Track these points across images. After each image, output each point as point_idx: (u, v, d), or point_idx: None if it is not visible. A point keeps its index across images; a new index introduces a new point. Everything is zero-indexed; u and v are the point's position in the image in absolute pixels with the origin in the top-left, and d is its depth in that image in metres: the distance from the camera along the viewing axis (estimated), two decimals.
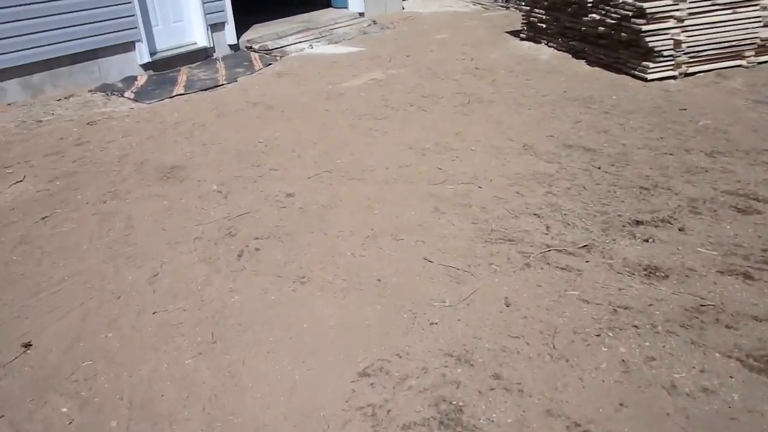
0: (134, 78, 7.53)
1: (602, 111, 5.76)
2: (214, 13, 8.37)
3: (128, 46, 7.51)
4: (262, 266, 3.34)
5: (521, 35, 9.03)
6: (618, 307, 3.16)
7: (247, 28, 9.76)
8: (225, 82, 7.29)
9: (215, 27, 8.50)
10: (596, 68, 7.26)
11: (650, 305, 3.19)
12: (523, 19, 9.00)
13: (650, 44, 6.49)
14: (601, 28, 7.12)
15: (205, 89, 7.04)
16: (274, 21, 10.36)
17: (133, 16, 7.39)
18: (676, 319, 3.07)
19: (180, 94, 6.82)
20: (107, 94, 6.92)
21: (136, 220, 3.88)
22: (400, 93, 6.56)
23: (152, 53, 7.79)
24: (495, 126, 5.50)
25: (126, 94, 6.87)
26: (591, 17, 7.26)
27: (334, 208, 4.03)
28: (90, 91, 7.05)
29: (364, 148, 5.06)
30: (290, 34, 9.50)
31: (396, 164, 4.71)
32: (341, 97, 6.46)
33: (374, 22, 10.73)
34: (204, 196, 4.27)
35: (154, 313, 2.94)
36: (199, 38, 8.36)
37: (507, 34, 9.60)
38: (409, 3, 13.25)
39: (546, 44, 8.48)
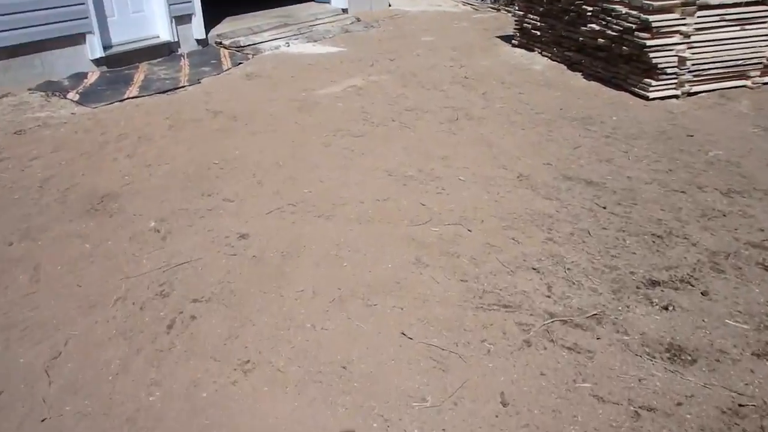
0: (84, 75, 6.69)
1: (603, 134, 5.10)
2: (179, 3, 7.54)
3: (78, 39, 6.66)
4: (196, 344, 2.61)
5: (513, 41, 8.33)
6: (640, 407, 2.50)
7: (218, 21, 8.93)
8: (186, 84, 6.49)
9: (180, 19, 7.67)
10: (593, 82, 6.60)
11: (678, 404, 2.53)
12: (515, 24, 8.30)
13: (654, 60, 5.83)
14: (601, 40, 6.45)
15: (163, 91, 6.24)
16: (249, 14, 9.53)
17: (83, 4, 6.54)
18: (713, 427, 2.42)
19: (133, 97, 6.01)
20: (47, 95, 6.07)
21: (46, 272, 3.11)
22: (382, 104, 5.83)
23: (106, 47, 6.95)
24: (486, 149, 4.81)
25: (69, 95, 6.03)
26: (590, 28, 6.59)
27: (295, 258, 3.31)
28: (30, 89, 6.20)
29: (337, 174, 4.34)
30: (266, 30, 8.69)
31: (373, 196, 4.00)
32: (316, 108, 5.72)
33: (358, 20, 9.95)
34: (137, 237, 3.51)
35: (42, 421, 2.20)
36: (162, 31, 7.52)
37: (498, 39, 8.90)
38: (396, 0, 12.49)
39: (540, 53, 7.80)
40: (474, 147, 4.85)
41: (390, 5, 11.65)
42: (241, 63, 7.39)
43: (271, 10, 9.92)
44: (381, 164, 4.49)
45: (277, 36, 8.56)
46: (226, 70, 7.07)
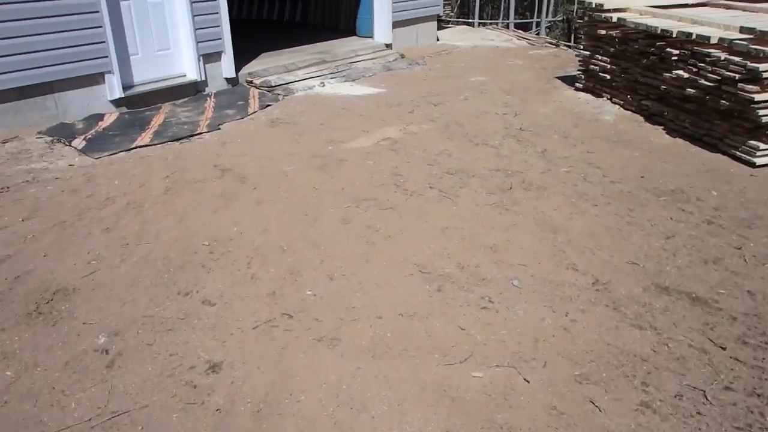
0: (100, 117, 5.92)
1: (702, 218, 3.89)
2: (207, 41, 6.74)
3: (96, 79, 5.91)
4: None
5: (577, 84, 7.18)
6: None
7: (253, 57, 8.12)
8: (205, 130, 5.62)
9: (209, 57, 6.86)
10: (679, 140, 5.38)
11: None
12: (580, 64, 7.15)
13: (764, 119, 4.60)
14: (691, 91, 5.24)
15: (177, 139, 5.38)
16: (287, 50, 8.71)
17: (103, 42, 5.79)
18: None
19: (142, 146, 5.16)
20: (53, 141, 5.29)
21: None
22: (420, 164, 4.79)
23: (127, 87, 6.18)
24: (548, 235, 3.68)
25: (75, 143, 5.23)
26: (676, 74, 5.39)
27: (274, 416, 2.27)
28: (39, 133, 5.44)
29: (352, 267, 3.29)
30: (301, 68, 7.82)
31: (395, 308, 2.93)
32: (341, 167, 4.72)
33: (402, 56, 8.99)
34: (76, 362, 2.54)
35: None
36: (189, 70, 6.73)
37: (558, 80, 7.76)
38: (446, 34, 11.50)
39: (609, 99, 6.62)
40: (533, 231, 3.73)
41: (438, 40, 10.68)
42: (269, 105, 6.50)
43: (310, 45, 9.08)
44: (410, 254, 3.42)
45: (313, 74, 7.67)
46: (250, 114, 6.18)
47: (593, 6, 6.72)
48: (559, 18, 29.19)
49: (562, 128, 5.79)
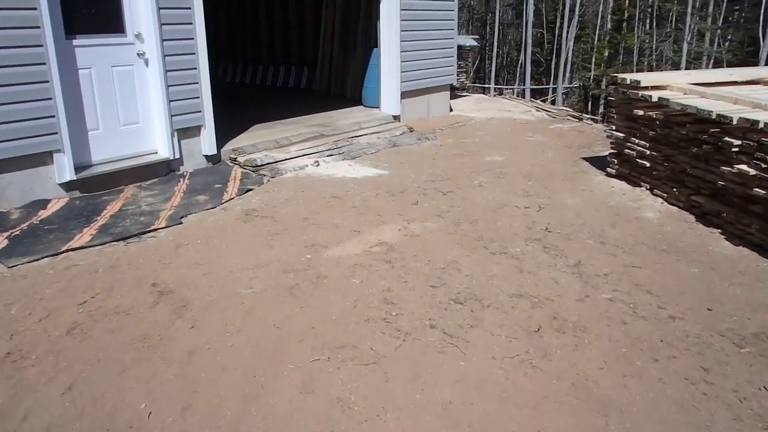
0: (43, 204, 4.93)
1: None
2: (184, 114, 5.80)
3: (42, 158, 4.95)
4: None
5: (609, 169, 6.10)
6: None
7: (243, 129, 7.20)
8: (162, 225, 4.58)
9: (186, 132, 5.92)
10: (745, 250, 4.23)
11: None
12: (611, 146, 6.10)
13: None
14: (760, 191, 4.13)
15: (124, 238, 4.33)
16: (283, 121, 7.79)
17: (52, 117, 4.85)
18: None
19: (76, 249, 4.11)
20: None
21: None
22: (419, 285, 3.67)
23: (83, 166, 5.21)
24: (598, 421, 2.49)
25: None
26: (738, 170, 4.29)
27: None
28: None
29: None
30: (295, 143, 6.86)
31: None
32: (317, 288, 3.61)
33: (410, 130, 8.03)
34: None
35: None
36: (161, 147, 5.77)
37: (585, 162, 6.70)
38: (460, 104, 10.61)
39: (649, 190, 5.52)
40: (574, 412, 2.55)
41: (451, 110, 9.75)
42: (249, 190, 5.48)
43: (309, 116, 8.16)
44: None
45: (307, 151, 6.69)
46: (225, 202, 5.16)
47: (628, 83, 5.72)
48: (575, 84, 28.58)
49: (597, 229, 4.67)
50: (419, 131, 8.08)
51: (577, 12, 29.17)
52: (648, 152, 5.49)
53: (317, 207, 5.05)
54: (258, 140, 6.68)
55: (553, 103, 26.52)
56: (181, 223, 4.66)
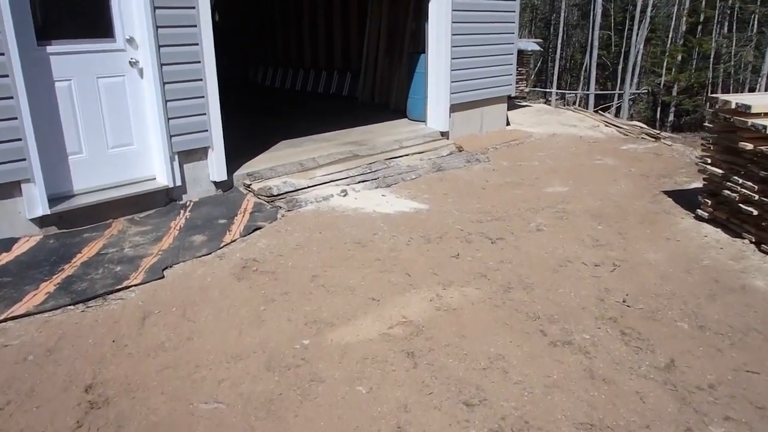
0: (8, 244, 4.07)
1: None
2: (187, 134, 4.87)
3: (7, 190, 4.08)
4: None
5: (700, 211, 4.77)
6: None
7: (266, 148, 6.23)
8: (137, 281, 3.61)
9: (189, 155, 4.98)
10: None
11: None
12: (704, 182, 4.76)
13: None
14: None
15: (84, 300, 3.39)
16: (314, 137, 6.78)
17: (19, 140, 3.98)
18: None
19: (16, 317, 3.20)
20: None
21: None
22: (449, 399, 2.53)
23: (61, 198, 4.34)
24: None
25: None
26: None
27: None
28: None
29: None
30: (323, 165, 5.82)
31: None
32: (307, 400, 2.52)
33: (459, 149, 6.86)
34: None
35: None
36: (159, 172, 4.86)
37: (667, 197, 5.38)
38: (518, 116, 9.33)
39: (755, 244, 4.18)
40: None
41: (508, 124, 8.50)
42: (257, 228, 4.48)
43: (345, 131, 7.12)
44: None
45: (336, 175, 5.64)
46: (223, 246, 4.16)
47: (733, 107, 4.38)
48: (643, 90, 26.45)
49: (691, 303, 3.42)
50: (470, 150, 6.90)
51: (648, 13, 27.01)
52: (756, 197, 4.15)
53: (333, 258, 3.98)
54: (279, 162, 5.68)
55: (618, 110, 24.57)
56: (163, 276, 3.69)
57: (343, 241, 4.27)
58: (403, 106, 8.09)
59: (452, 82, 7.12)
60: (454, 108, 7.32)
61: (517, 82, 10.77)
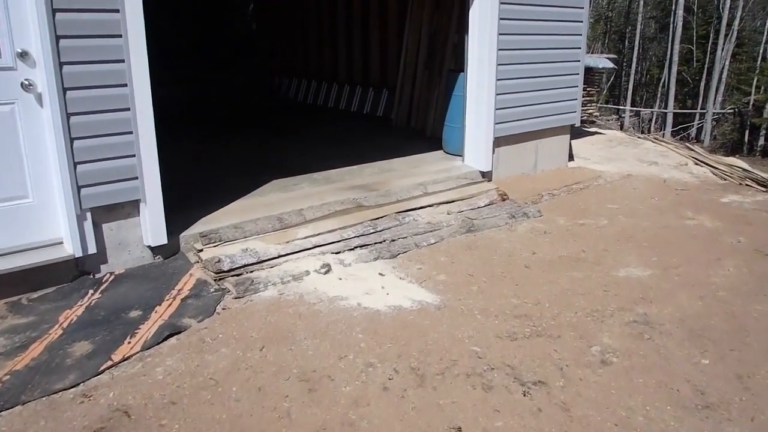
0: None
1: None
2: (103, 184, 3.36)
3: None
4: None
5: None
6: None
7: (250, 189, 4.68)
8: None
9: (112, 212, 3.48)
10: None
11: None
12: None
13: None
14: None
15: None
16: (316, 175, 5.16)
17: None
18: None
19: None
20: None
21: None
22: None
23: None
24: None
25: None
26: None
27: None
28: None
29: None
30: (311, 220, 4.19)
31: None
32: None
33: (502, 198, 5.06)
34: None
35: None
36: (66, 235, 3.39)
37: None
38: (584, 147, 7.40)
39: None
40: None
41: (571, 158, 6.61)
42: (172, 335, 2.90)
43: (359, 167, 5.47)
44: None
45: (324, 238, 3.99)
46: (102, 371, 2.60)
47: None
48: (728, 110, 23.22)
49: None
50: (515, 200, 5.09)
51: (735, 27, 23.84)
52: None
53: (256, 414, 2.34)
54: (252, 215, 4.11)
55: (700, 131, 21.66)
56: None
57: (287, 373, 2.62)
58: (441, 133, 6.36)
59: (497, 109, 5.34)
60: (500, 141, 5.54)
61: (584, 104, 8.78)
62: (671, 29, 23.97)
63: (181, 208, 4.04)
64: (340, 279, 3.56)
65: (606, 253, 4.10)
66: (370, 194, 4.68)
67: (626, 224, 4.71)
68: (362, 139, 6.84)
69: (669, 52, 23.45)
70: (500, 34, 5.05)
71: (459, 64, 6.23)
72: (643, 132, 20.17)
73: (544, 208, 5.02)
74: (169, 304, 3.23)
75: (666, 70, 23.86)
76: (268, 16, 11.11)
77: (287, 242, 3.90)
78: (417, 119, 7.42)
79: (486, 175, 5.47)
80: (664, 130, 21.70)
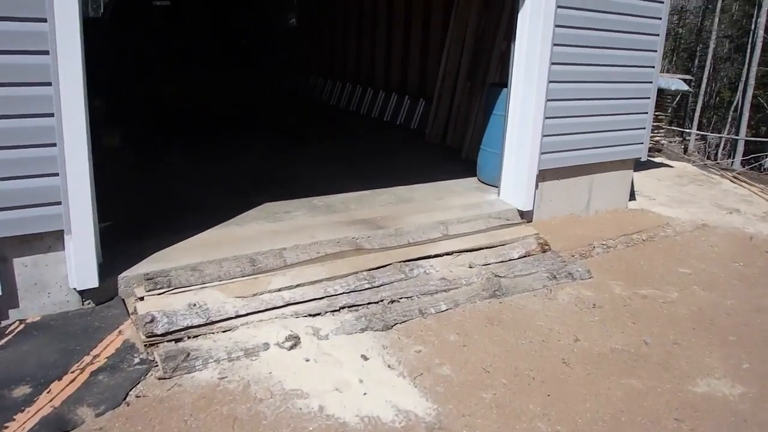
0: None
1: None
2: (11, 209, 2.56)
3: None
4: None
5: None
6: None
7: (231, 216, 3.79)
8: None
9: (26, 244, 2.67)
10: None
11: None
12: None
13: None
14: None
15: None
16: (315, 200, 4.23)
17: None
18: None
19: None
20: None
21: None
22: None
23: None
24: None
25: None
26: None
27: None
28: None
29: None
30: (292, 265, 3.26)
31: None
32: None
33: (543, 248, 3.96)
34: None
35: None
36: None
37: None
38: (647, 183, 6.20)
39: None
40: None
41: (633, 198, 5.44)
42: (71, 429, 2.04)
43: (371, 192, 4.51)
44: None
45: (301, 293, 3.05)
46: None
47: None
48: None
49: None
50: (561, 248, 4.00)
51: None
52: None
53: None
54: (218, 253, 3.21)
55: None
56: None
57: None
58: (476, 157, 5.32)
59: (545, 135, 4.27)
60: (546, 174, 4.47)
61: (651, 130, 7.50)
62: (749, 49, 21.83)
63: (136, 236, 3.20)
64: (308, 360, 2.61)
65: (677, 348, 2.99)
66: (375, 233, 3.71)
67: (704, 301, 3.57)
68: (386, 156, 5.88)
69: (745, 74, 21.36)
70: (555, 44, 3.98)
71: (504, 77, 5.16)
72: (709, 158, 18.31)
73: (594, 265, 3.92)
74: (72, 380, 2.37)
75: (739, 93, 21.75)
76: (310, 11, 10.32)
77: (253, 295, 2.99)
78: (454, 137, 6.40)
79: (525, 215, 4.41)
80: (733, 158, 19.72)
